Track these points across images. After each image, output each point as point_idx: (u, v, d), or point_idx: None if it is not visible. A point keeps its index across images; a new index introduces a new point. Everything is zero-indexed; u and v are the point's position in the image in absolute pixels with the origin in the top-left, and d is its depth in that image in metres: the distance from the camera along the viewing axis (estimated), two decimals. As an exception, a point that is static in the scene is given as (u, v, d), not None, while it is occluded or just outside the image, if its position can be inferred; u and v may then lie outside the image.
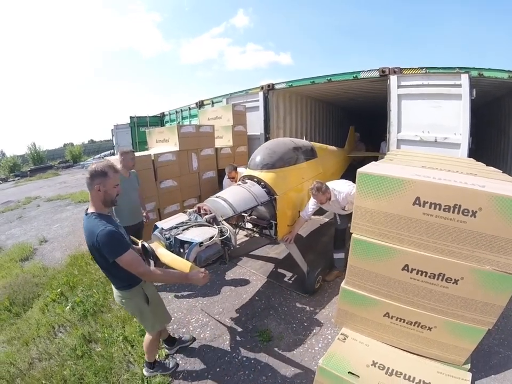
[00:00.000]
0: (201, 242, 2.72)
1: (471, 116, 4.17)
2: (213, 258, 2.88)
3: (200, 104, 8.04)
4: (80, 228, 6.95)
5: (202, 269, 2.28)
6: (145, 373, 2.86)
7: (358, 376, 2.00)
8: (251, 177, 3.97)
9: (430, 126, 4.44)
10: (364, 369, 2.05)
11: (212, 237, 2.83)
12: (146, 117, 10.93)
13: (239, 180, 4.08)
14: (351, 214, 3.65)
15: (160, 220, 3.44)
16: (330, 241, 4.70)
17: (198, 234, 2.81)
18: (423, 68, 4.38)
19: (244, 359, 2.72)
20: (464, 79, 4.06)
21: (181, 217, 3.19)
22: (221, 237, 2.94)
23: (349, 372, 2.03)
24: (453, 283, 1.80)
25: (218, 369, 2.61)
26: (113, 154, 25.44)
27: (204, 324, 3.21)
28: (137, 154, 4.60)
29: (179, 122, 9.37)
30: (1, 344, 3.41)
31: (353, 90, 6.77)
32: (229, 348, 2.86)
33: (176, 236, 2.75)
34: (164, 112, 10.81)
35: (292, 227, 4.04)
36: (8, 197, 13.39)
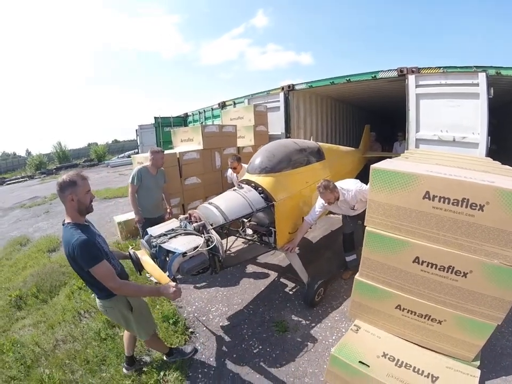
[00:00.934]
0: (185, 253, 2.69)
1: (491, 115, 4.15)
2: (198, 269, 2.86)
3: (223, 105, 8.21)
4: (107, 222, 7.27)
5: (173, 283, 2.24)
6: (165, 358, 2.93)
7: (368, 366, 2.09)
8: (248, 182, 3.85)
9: (448, 125, 4.38)
10: (374, 360, 2.15)
11: (197, 247, 2.78)
12: (170, 117, 11.23)
13: (236, 184, 3.99)
14: (357, 216, 3.74)
15: (184, 214, 3.52)
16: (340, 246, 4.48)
17: (183, 244, 2.78)
18: (441, 67, 4.36)
19: (260, 347, 2.84)
20: (482, 78, 4.00)
21: (172, 224, 3.21)
22: (207, 246, 2.89)
23: (359, 361, 2.13)
24: (462, 276, 1.86)
25: (235, 356, 2.74)
26: (137, 153, 26.13)
27: (223, 313, 3.35)
28: (181, 149, 4.90)
29: (202, 122, 9.59)
30: (27, 327, 3.62)
31: (372, 90, 6.78)
32: (246, 336, 2.98)
33: (161, 245, 2.75)
34: (187, 113, 11.09)
35: (294, 234, 3.88)
36: (35, 193, 14.12)
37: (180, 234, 2.95)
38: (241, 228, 3.96)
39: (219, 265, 3.12)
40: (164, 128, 10.93)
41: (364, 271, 2.25)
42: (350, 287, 3.68)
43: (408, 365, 2.12)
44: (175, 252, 2.62)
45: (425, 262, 1.92)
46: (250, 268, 4.35)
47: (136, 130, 15.44)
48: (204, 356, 2.79)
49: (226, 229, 3.57)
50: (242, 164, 4.55)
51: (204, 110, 9.45)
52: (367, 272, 2.23)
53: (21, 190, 16.82)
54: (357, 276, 2.35)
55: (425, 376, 2.05)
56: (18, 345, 3.25)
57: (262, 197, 3.59)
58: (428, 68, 4.50)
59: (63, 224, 2.28)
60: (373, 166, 2.02)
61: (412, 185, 1.84)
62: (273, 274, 4.19)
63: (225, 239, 3.59)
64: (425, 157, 2.95)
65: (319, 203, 3.69)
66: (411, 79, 4.56)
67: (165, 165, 4.18)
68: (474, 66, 4.13)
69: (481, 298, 1.90)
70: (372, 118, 10.54)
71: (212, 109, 8.90)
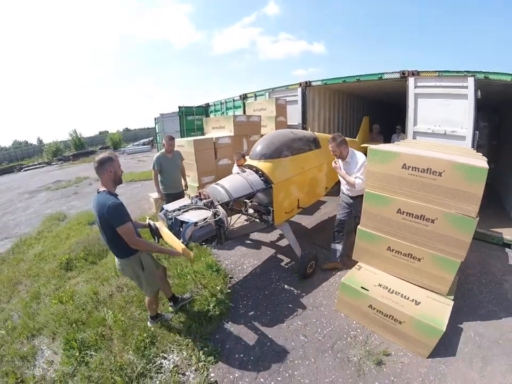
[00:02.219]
0: (196, 222, 3.09)
1: (485, 116, 4.81)
2: (206, 236, 3.27)
3: (244, 97, 8.94)
4: (138, 200, 8.24)
5: (185, 247, 2.81)
6: (149, 324, 3.40)
7: (368, 290, 2.92)
8: (250, 167, 4.25)
9: (440, 120, 5.01)
10: (372, 287, 2.97)
11: (206, 218, 3.18)
12: (192, 107, 11.95)
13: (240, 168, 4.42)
14: (351, 204, 4.01)
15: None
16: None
17: (194, 216, 3.20)
18: (437, 71, 4.98)
19: (286, 287, 3.76)
20: (470, 82, 4.59)
21: (184, 201, 3.66)
22: (214, 218, 3.27)
23: (361, 287, 2.96)
24: (431, 222, 2.69)
25: (267, 292, 3.65)
26: (152, 141, 27.01)
27: (254, 264, 4.27)
28: (202, 137, 5.78)
29: (223, 112, 10.29)
30: (80, 283, 4.22)
31: (378, 88, 7.46)
32: (274, 279, 3.91)
33: (176, 217, 3.16)
34: (208, 103, 11.78)
35: (290, 214, 4.32)
36: (56, 178, 15.24)
37: (192, 208, 3.41)
38: (244, 208, 4.36)
39: (224, 236, 3.56)
40: (187, 116, 11.69)
41: (364, 222, 3.14)
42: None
43: (397, 292, 2.90)
44: (188, 222, 3.06)
45: (405, 212, 2.79)
46: (277, 233, 5.15)
47: (155, 118, 16.18)
48: (242, 293, 3.68)
49: (230, 206, 3.93)
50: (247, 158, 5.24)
51: (226, 101, 10.14)
52: (367, 222, 3.12)
53: (41, 175, 18.01)
54: (359, 226, 3.22)
55: (410, 300, 2.81)
56: (77, 296, 3.88)
57: (261, 179, 4.02)
58: (426, 71, 5.12)
59: (98, 192, 2.74)
60: (370, 147, 2.93)
61: (395, 159, 2.72)
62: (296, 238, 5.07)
63: (229, 215, 3.96)
64: (412, 144, 3.84)
65: (336, 160, 4.05)
66: (411, 80, 5.22)
67: (203, 147, 5.07)
68: (465, 71, 4.71)
69: (447, 239, 2.67)
70: (378, 110, 11.22)
71: (234, 100, 9.59)
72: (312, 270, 4.04)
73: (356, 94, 9.28)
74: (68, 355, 3.02)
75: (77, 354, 2.98)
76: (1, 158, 32.46)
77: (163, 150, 4.87)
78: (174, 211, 3.34)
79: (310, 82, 7.01)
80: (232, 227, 4.15)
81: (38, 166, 24.02)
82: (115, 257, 3.06)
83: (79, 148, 28.06)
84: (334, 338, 2.92)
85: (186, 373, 2.64)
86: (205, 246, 3.78)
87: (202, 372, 2.62)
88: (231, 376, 2.59)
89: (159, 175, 4.86)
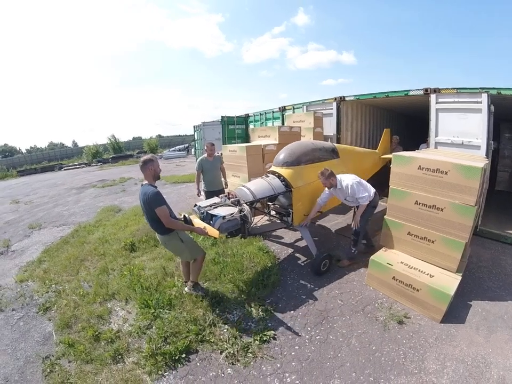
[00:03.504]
0: (224, 216, 3.61)
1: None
2: (232, 229, 3.77)
3: (283, 109, 9.89)
4: (186, 198, 9.37)
5: (209, 226, 3.48)
6: (186, 289, 3.99)
7: (392, 265, 3.75)
8: (273, 172, 4.69)
9: (458, 132, 5.61)
10: (395, 263, 3.79)
11: (232, 213, 3.71)
12: (233, 117, 13.12)
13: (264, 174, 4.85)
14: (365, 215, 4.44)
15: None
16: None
17: (223, 211, 3.73)
18: (455, 88, 5.59)
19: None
20: (484, 97, 5.12)
21: (214, 200, 4.18)
22: (240, 214, 3.79)
23: (387, 263, 3.80)
24: (440, 210, 3.54)
25: (308, 270, 4.55)
26: (187, 147, 28.48)
27: (298, 249, 5.22)
28: (252, 144, 6.84)
29: (262, 123, 11.32)
30: (146, 261, 5.00)
31: (404, 102, 8.19)
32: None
33: (208, 211, 3.72)
34: (248, 114, 12.90)
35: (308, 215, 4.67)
36: (100, 177, 16.76)
37: (221, 205, 3.96)
38: (267, 209, 5.01)
39: (247, 231, 4.11)
40: (228, 125, 12.88)
41: (389, 212, 4.04)
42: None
43: (415, 268, 3.68)
44: (217, 216, 3.61)
45: (420, 203, 3.66)
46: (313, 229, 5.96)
47: (195, 126, 17.63)
48: (289, 268, 4.62)
49: (254, 205, 4.45)
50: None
51: (265, 112, 11.16)
52: (391, 213, 4.01)
53: (83, 174, 19.80)
54: (385, 216, 4.10)
55: (426, 274, 3.55)
56: (146, 269, 4.66)
57: (283, 184, 4.46)
58: (446, 88, 5.76)
59: (142, 185, 3.45)
60: (393, 154, 3.85)
61: (412, 162, 3.63)
62: (330, 233, 5.88)
63: (253, 214, 4.45)
64: (429, 152, 4.69)
65: (325, 189, 4.53)
66: (433, 97, 5.87)
67: (253, 153, 5.99)
68: (479, 88, 5.22)
69: (453, 224, 3.48)
70: (403, 122, 11.94)
71: (273, 112, 10.58)
72: (326, 268, 4.45)
73: (384, 107, 10.07)
74: (143, 312, 3.73)
75: (152, 311, 3.69)
76: (40, 158, 35.02)
77: (205, 154, 5.88)
78: (206, 207, 3.89)
79: (344, 97, 7.89)
80: (255, 225, 4.65)
81: (77, 166, 25.94)
82: (158, 234, 3.68)
83: (117, 152, 29.90)
84: (364, 304, 3.75)
85: (249, 323, 3.49)
86: (229, 237, 4.22)
87: (261, 322, 3.48)
88: (284, 326, 3.45)
89: (201, 175, 5.88)
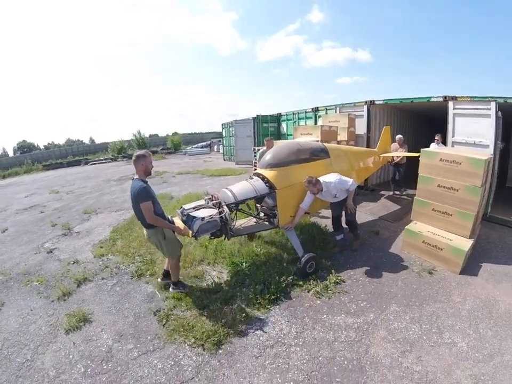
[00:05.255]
0: (203, 218, 3.78)
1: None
2: (212, 230, 3.99)
3: (316, 110, 11.30)
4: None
5: (183, 226, 3.90)
6: (171, 290, 4.24)
7: (422, 232, 5.19)
8: (258, 175, 4.83)
9: (471, 134, 6.79)
10: (424, 231, 5.20)
11: (211, 215, 3.88)
12: (267, 116, 14.67)
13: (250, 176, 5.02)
14: (342, 201, 5.10)
15: None
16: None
17: (203, 213, 3.92)
18: (469, 96, 6.76)
19: (369, 239, 6.12)
20: (492, 105, 6.27)
21: (199, 202, 4.42)
22: (219, 215, 3.98)
23: (418, 231, 5.24)
24: (456, 191, 4.96)
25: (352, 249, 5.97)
26: (209, 145, 30.16)
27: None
28: (296, 140, 8.06)
29: (295, 121, 12.76)
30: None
31: (426, 106, 9.49)
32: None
33: (189, 213, 3.89)
34: (280, 113, 14.42)
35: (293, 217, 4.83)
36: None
37: (203, 207, 4.14)
38: (256, 211, 5.24)
39: (230, 233, 4.31)
40: (262, 124, 14.39)
41: (418, 194, 5.50)
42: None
43: (439, 235, 5.03)
44: (197, 217, 3.81)
45: (441, 186, 5.10)
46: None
47: (223, 124, 19.54)
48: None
49: (236, 207, 4.62)
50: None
51: (298, 112, 12.60)
52: (420, 194, 5.48)
53: (112, 168, 20.68)
54: (416, 197, 5.56)
55: (447, 238, 4.89)
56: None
57: (266, 185, 4.60)
58: (461, 96, 6.98)
59: (132, 179, 3.63)
60: (422, 150, 5.34)
61: (436, 156, 5.12)
62: (373, 217, 7.32)
63: (235, 214, 4.70)
64: (449, 149, 6.19)
65: (308, 194, 4.71)
66: (451, 104, 7.14)
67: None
68: (489, 97, 6.39)
69: (465, 201, 4.85)
70: (424, 123, 13.32)
71: (305, 112, 11.99)
72: (312, 270, 4.62)
73: (408, 110, 11.43)
74: (234, 270, 4.66)
75: (243, 268, 4.65)
76: (58, 154, 36.40)
77: (264, 148, 7.25)
78: (189, 209, 4.08)
79: (374, 101, 9.31)
80: (240, 226, 4.95)
81: (103, 161, 27.32)
82: (144, 228, 3.94)
83: (142, 147, 30.08)
84: (402, 261, 5.13)
85: (322, 273, 4.69)
86: (213, 238, 4.51)
87: (332, 271, 4.66)
88: (348, 273, 4.74)
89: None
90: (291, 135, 13.19)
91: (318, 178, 4.65)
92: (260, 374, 3.01)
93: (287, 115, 13.88)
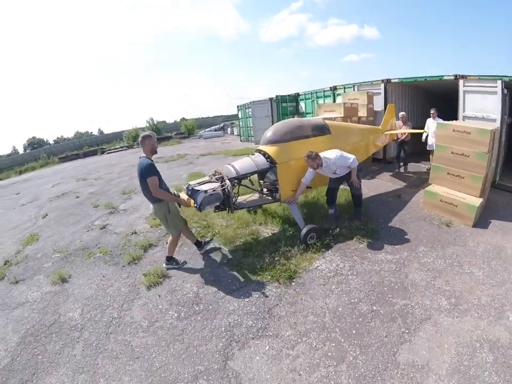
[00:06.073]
0: (206, 191, 4.08)
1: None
2: (215, 202, 4.27)
3: (334, 88, 12.18)
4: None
5: (188, 198, 4.25)
6: (164, 265, 4.62)
7: (439, 193, 6.30)
8: (259, 151, 5.04)
9: (480, 109, 7.48)
10: (441, 192, 6.29)
11: (213, 188, 4.16)
12: (286, 96, 15.64)
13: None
14: (341, 177, 5.44)
15: None
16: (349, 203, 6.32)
17: (206, 186, 4.22)
18: (477, 75, 7.37)
19: (393, 202, 7.36)
20: (499, 83, 6.91)
21: (204, 178, 4.71)
22: (221, 188, 4.25)
23: (435, 192, 6.37)
24: (467, 157, 6.02)
25: (385, 204, 7.16)
26: (222, 128, 31.29)
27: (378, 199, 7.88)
28: (323, 116, 9.03)
29: (313, 100, 13.75)
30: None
31: (438, 84, 10.09)
32: (384, 199, 7.41)
33: (194, 187, 4.21)
34: (298, 93, 15.41)
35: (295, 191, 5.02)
36: (154, 156, 18.85)
37: (206, 182, 4.41)
38: (260, 187, 5.45)
39: (233, 206, 4.59)
40: (282, 103, 15.36)
41: (435, 160, 6.62)
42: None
43: (453, 194, 6.07)
44: (200, 190, 4.13)
45: (455, 153, 6.17)
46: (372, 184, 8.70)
47: (238, 106, 20.54)
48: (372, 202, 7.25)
49: (239, 181, 4.86)
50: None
51: (316, 92, 13.55)
52: (436, 160, 6.59)
53: (130, 155, 20.95)
54: (433, 163, 6.68)
55: (461, 197, 5.94)
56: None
57: (267, 161, 4.81)
58: (470, 75, 7.67)
59: (140, 157, 4.00)
60: (437, 122, 6.51)
61: (449, 127, 6.20)
62: (392, 184, 8.50)
63: (237, 188, 5.02)
64: (460, 122, 7.24)
65: (309, 169, 4.90)
66: (461, 82, 7.83)
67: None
68: (495, 76, 7.02)
69: (475, 165, 5.83)
70: (436, 99, 13.62)
71: (324, 91, 12.94)
72: (313, 241, 4.92)
73: (422, 87, 12.15)
74: (285, 228, 5.48)
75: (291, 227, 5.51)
76: (71, 147, 37.23)
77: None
78: (194, 184, 4.36)
79: (390, 79, 10.23)
80: (244, 200, 5.25)
81: (119, 149, 28.29)
82: (150, 203, 4.28)
83: (156, 134, 31.51)
84: (424, 217, 6.16)
85: (360, 226, 5.69)
86: (217, 211, 4.90)
87: (368, 224, 5.66)
88: (380, 226, 5.82)
89: None
90: (310, 113, 14.34)
91: (318, 153, 4.87)
92: (330, 296, 4.02)
93: (305, 94, 14.83)
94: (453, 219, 5.99)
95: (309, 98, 14.38)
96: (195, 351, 3.35)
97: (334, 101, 12.03)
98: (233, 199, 4.58)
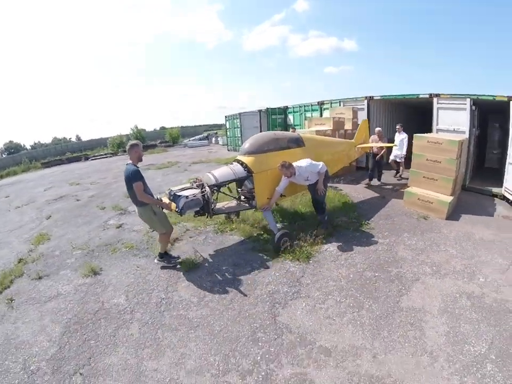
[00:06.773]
0: (187, 196, 4.31)
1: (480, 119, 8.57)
2: (195, 207, 4.52)
3: (321, 103, 13.21)
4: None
5: (169, 202, 4.47)
6: (155, 261, 4.85)
7: (417, 193, 7.45)
8: (238, 161, 5.22)
9: (451, 123, 8.71)
10: (419, 192, 7.43)
11: (194, 194, 4.40)
12: (276, 108, 16.62)
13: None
14: (315, 184, 5.64)
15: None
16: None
17: (187, 192, 4.48)
18: (449, 94, 8.61)
19: (386, 202, 8.54)
20: (467, 101, 8.21)
21: (186, 185, 4.90)
22: (201, 194, 4.48)
23: (413, 192, 7.55)
24: (439, 163, 7.23)
25: (375, 204, 8.38)
26: (207, 137, 32.25)
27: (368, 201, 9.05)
28: (314, 128, 10.24)
29: (301, 113, 14.68)
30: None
31: (415, 101, 11.33)
32: (378, 200, 8.58)
33: (176, 193, 4.45)
34: (287, 106, 16.33)
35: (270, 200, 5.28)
36: (144, 163, 18.08)
37: (188, 188, 4.66)
38: (238, 194, 5.66)
39: (212, 211, 4.84)
40: (272, 115, 16.31)
41: (413, 166, 7.80)
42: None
43: (428, 194, 7.19)
44: (182, 196, 4.38)
45: (429, 159, 7.38)
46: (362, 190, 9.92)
47: (226, 116, 20.91)
48: (362, 204, 8.43)
49: (218, 189, 5.10)
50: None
51: (304, 105, 14.51)
52: (414, 166, 7.76)
53: (117, 162, 20.59)
54: (411, 168, 7.84)
55: (434, 196, 7.02)
56: None
57: (244, 170, 5.03)
58: (443, 94, 8.95)
59: (126, 164, 4.22)
60: (415, 135, 7.67)
61: (424, 138, 7.45)
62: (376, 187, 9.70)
63: (216, 195, 5.26)
64: (434, 134, 8.52)
65: (283, 178, 5.15)
66: (435, 99, 9.11)
67: (320, 133, 9.50)
68: (465, 95, 8.29)
69: (446, 169, 7.01)
70: (412, 114, 15.31)
71: (311, 105, 13.94)
72: (285, 246, 5.22)
73: (400, 103, 13.50)
74: (293, 215, 6.82)
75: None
76: (46, 153, 36.58)
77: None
78: (176, 190, 4.56)
79: (372, 97, 11.41)
80: (222, 207, 5.48)
81: (104, 156, 28.18)
82: (136, 206, 4.47)
83: (141, 141, 31.08)
84: (405, 213, 7.17)
85: (353, 220, 6.95)
86: (197, 216, 5.09)
87: (360, 219, 6.74)
88: (369, 220, 6.92)
89: None
90: (298, 125, 15.24)
91: (291, 163, 5.15)
92: (341, 268, 4.93)
93: (293, 108, 15.80)
94: (429, 213, 7.03)
95: (297, 111, 15.34)
96: (247, 314, 3.97)
97: (321, 114, 13.05)
98: (212, 205, 4.86)
